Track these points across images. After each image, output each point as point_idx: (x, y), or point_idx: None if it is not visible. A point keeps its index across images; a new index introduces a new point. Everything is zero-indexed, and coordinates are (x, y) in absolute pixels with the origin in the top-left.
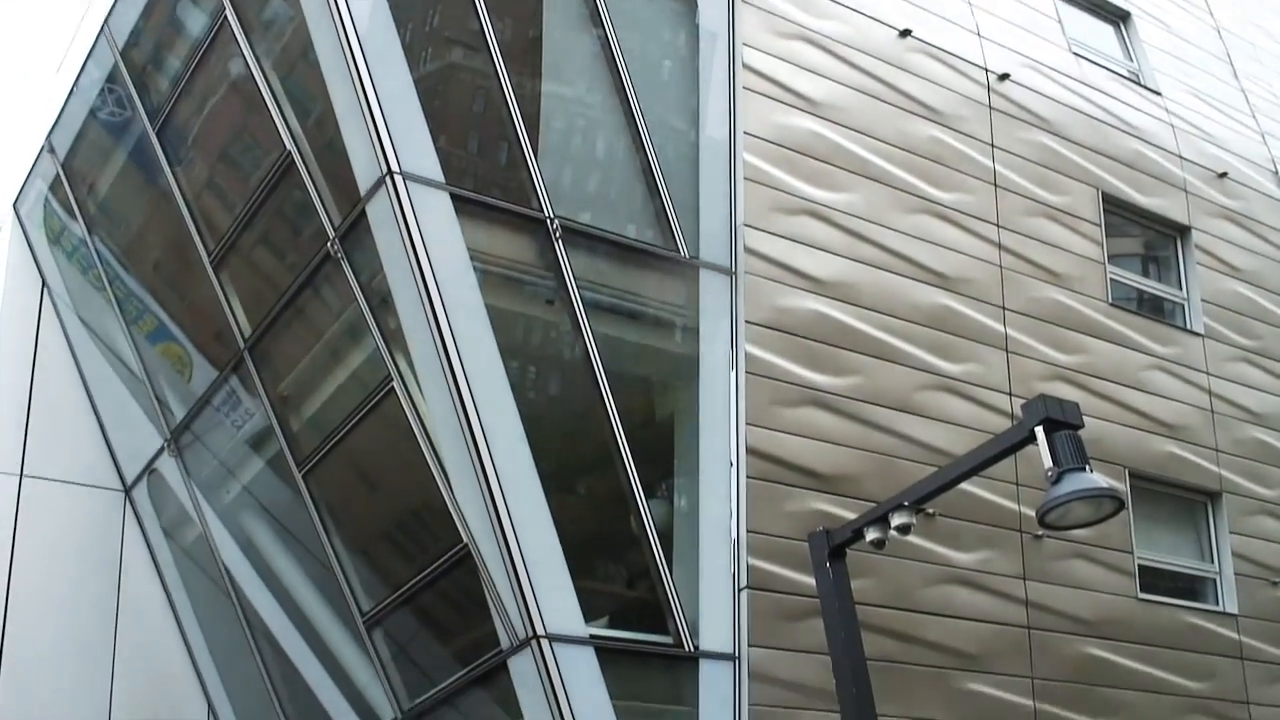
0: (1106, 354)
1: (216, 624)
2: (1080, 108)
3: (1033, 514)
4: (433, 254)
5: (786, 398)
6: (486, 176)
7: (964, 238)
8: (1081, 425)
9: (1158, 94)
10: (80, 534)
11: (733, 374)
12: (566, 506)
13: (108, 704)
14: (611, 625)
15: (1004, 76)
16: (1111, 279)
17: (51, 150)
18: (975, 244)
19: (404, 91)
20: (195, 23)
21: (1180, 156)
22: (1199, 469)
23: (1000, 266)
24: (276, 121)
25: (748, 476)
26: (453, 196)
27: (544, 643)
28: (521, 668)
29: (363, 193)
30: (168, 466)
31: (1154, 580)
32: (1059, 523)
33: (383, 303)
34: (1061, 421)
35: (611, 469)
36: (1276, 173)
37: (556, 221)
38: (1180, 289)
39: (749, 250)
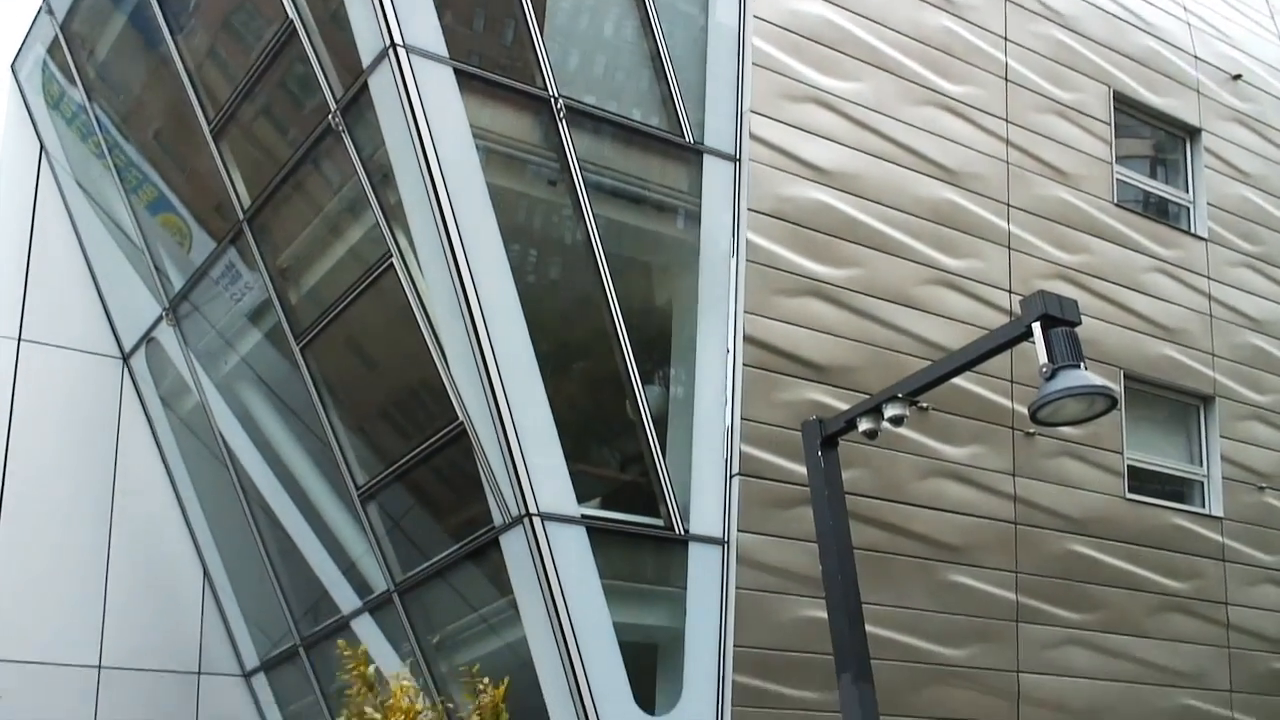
0: (1109, 255)
1: (213, 493)
2: (1096, 2)
3: (1025, 411)
4: (435, 130)
5: (786, 287)
6: (491, 54)
7: (972, 132)
8: (1079, 322)
9: None
10: (78, 400)
11: (733, 262)
12: (562, 389)
13: (104, 569)
14: (603, 507)
15: None
16: (1118, 179)
17: (50, 11)
18: (983, 139)
19: None
20: None
21: (1195, 56)
22: (1193, 372)
23: (1007, 163)
24: None
25: (744, 364)
26: (456, 72)
27: (536, 521)
28: (513, 545)
29: (365, 65)
30: (166, 336)
31: (1142, 481)
32: (1051, 419)
33: (384, 178)
34: (1059, 318)
35: (609, 353)
36: None
37: (561, 101)
38: (1186, 192)
39: (754, 137)
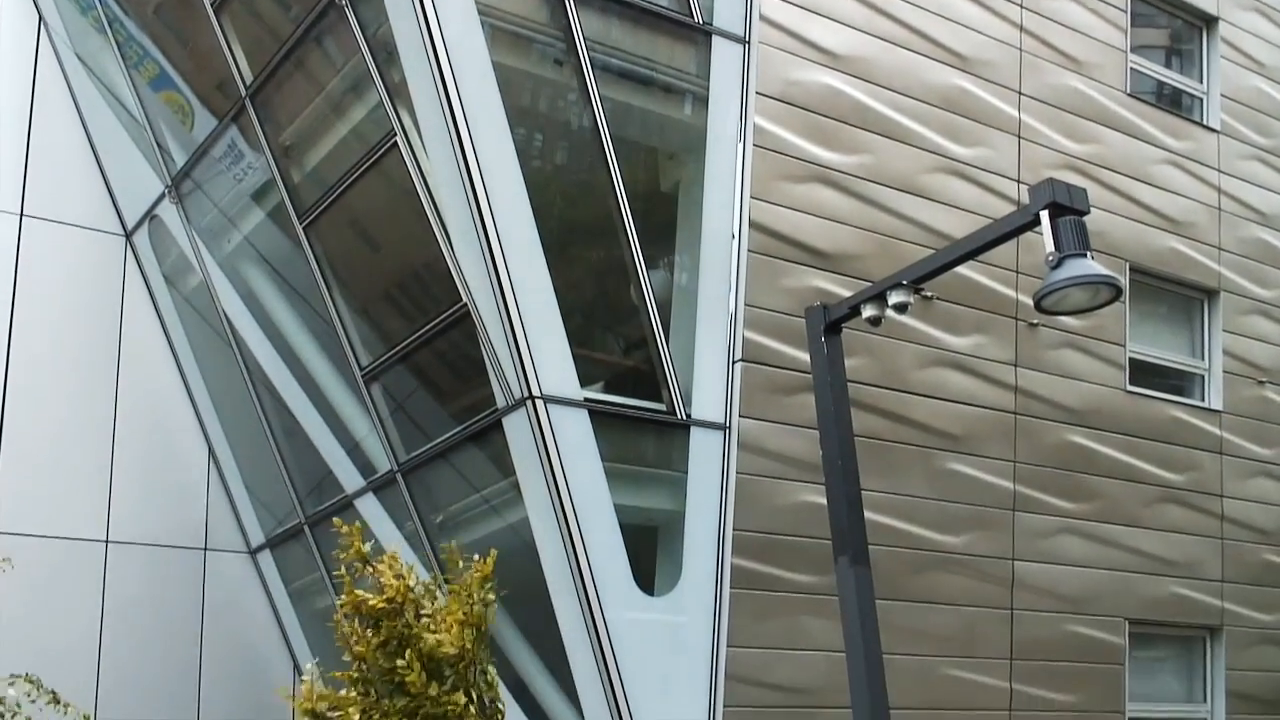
0: (1119, 145)
1: (217, 372)
2: None
3: (1030, 301)
4: (439, 6)
5: (792, 173)
6: None
7: (985, 16)
8: (1088, 211)
9: None
10: (81, 277)
11: (740, 146)
12: (567, 273)
13: (110, 445)
14: (606, 391)
15: None
16: (1132, 69)
17: None
18: (996, 24)
19: None
20: None
21: None
22: (1199, 266)
23: (1020, 49)
24: None
25: (749, 250)
26: None
27: (539, 403)
28: (516, 427)
29: None
30: (169, 213)
31: (1143, 374)
32: (1055, 308)
33: (388, 55)
34: (1068, 207)
35: (614, 237)
36: None
37: None
38: (1201, 83)
39: (764, 19)
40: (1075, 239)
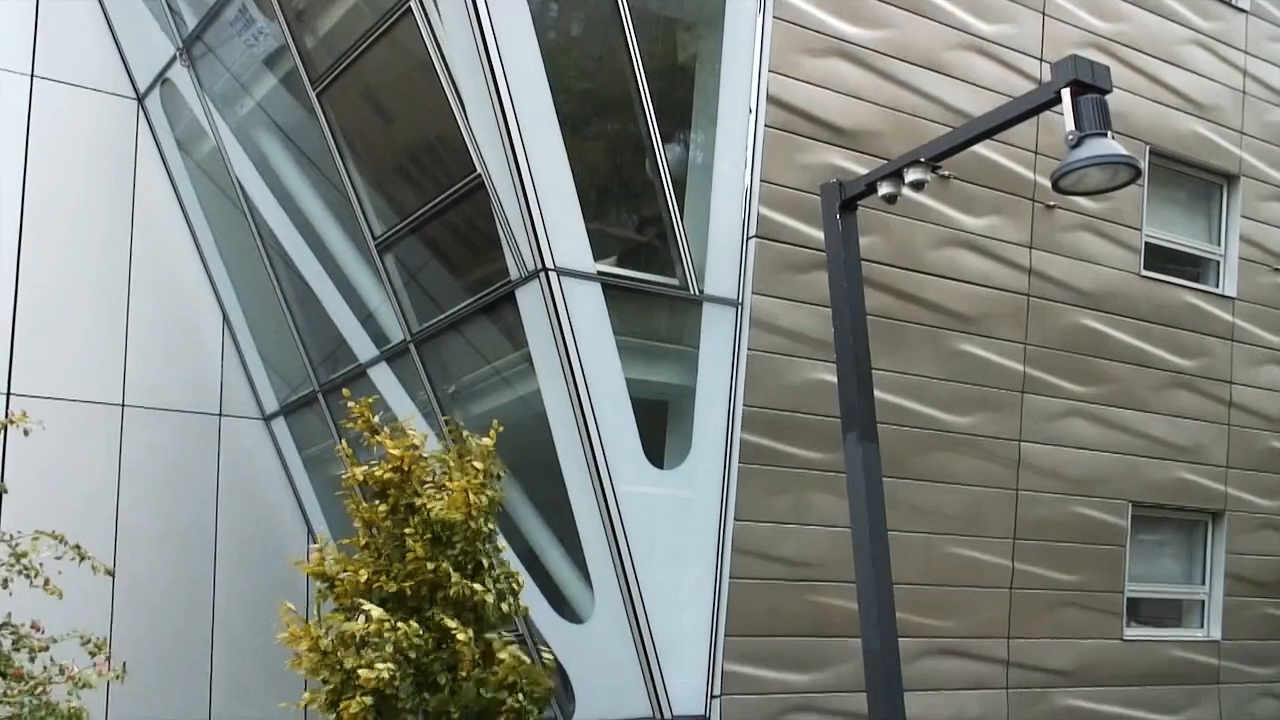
0: (1146, 24)
1: (230, 239)
2: None
3: (1047, 183)
4: None
5: (812, 46)
6: None
7: None
8: (1110, 89)
9: None
10: (94, 140)
11: (760, 18)
12: (582, 146)
13: (125, 309)
14: (620, 265)
15: None
16: None
17: None
18: None
19: None
20: None
21: None
22: (1220, 150)
23: None
24: None
25: (765, 125)
26: None
27: (552, 275)
28: (529, 298)
29: None
30: (180, 77)
31: (1158, 259)
32: (1073, 188)
33: None
34: (1090, 84)
35: (630, 112)
36: None
37: None
38: None
39: None
40: (1096, 118)
